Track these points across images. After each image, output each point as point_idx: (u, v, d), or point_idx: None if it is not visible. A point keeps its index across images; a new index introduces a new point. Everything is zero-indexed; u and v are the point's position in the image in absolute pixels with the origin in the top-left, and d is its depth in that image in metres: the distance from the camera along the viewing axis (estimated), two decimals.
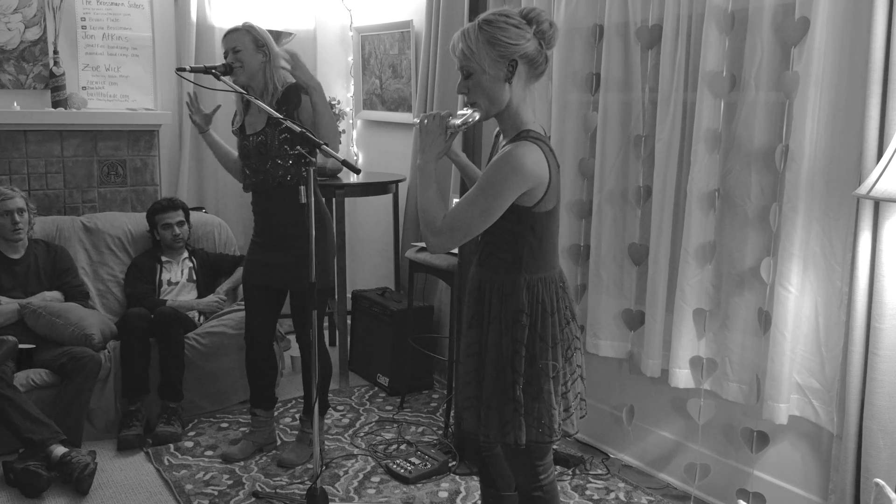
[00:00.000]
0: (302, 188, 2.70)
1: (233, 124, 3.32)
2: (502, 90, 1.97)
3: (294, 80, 3.12)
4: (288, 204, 3.10)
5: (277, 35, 3.24)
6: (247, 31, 3.11)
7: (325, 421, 3.74)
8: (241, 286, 4.11)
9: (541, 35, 1.96)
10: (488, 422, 2.07)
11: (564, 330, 2.07)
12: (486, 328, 2.08)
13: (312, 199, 2.70)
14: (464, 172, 2.37)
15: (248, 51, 3.09)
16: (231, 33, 3.12)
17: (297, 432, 3.52)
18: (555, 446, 3.44)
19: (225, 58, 3.11)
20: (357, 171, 2.73)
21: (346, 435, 3.63)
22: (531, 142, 1.96)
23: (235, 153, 3.33)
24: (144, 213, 4.09)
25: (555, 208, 2.05)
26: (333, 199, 4.26)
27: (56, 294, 3.63)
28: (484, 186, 1.93)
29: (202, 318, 3.95)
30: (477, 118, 2.01)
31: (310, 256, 2.75)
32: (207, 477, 3.22)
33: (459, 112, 2.03)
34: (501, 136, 2.12)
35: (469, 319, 2.14)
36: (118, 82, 4.44)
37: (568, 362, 2.08)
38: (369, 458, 3.41)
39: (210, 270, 4.10)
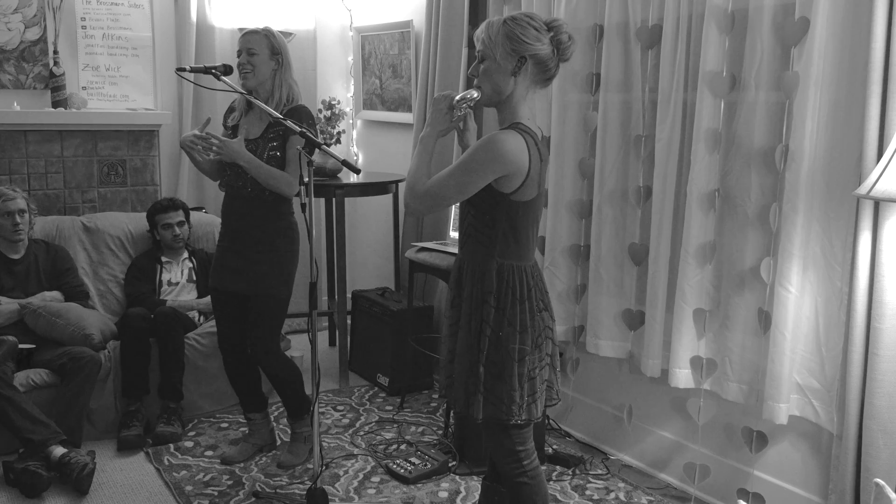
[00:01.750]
0: (302, 188, 2.70)
1: (226, 119, 3.26)
2: (507, 82, 2.10)
3: (302, 103, 3.12)
4: (259, 213, 3.10)
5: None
6: (265, 35, 3.09)
7: (326, 421, 3.75)
8: None
9: (557, 43, 2.10)
10: (457, 395, 2.20)
11: (535, 318, 2.15)
12: (462, 307, 2.20)
13: (312, 198, 2.70)
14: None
15: (263, 55, 3.07)
16: (249, 34, 3.10)
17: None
18: (554, 445, 3.46)
19: (238, 56, 3.10)
20: (357, 171, 2.73)
21: (346, 435, 3.63)
22: (518, 131, 2.08)
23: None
24: (144, 213, 4.08)
25: (534, 200, 2.13)
26: (333, 199, 4.26)
27: (56, 294, 3.63)
28: (463, 162, 2.07)
29: (202, 318, 3.95)
30: (474, 96, 2.15)
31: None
32: (207, 477, 3.22)
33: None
34: None
35: (451, 300, 2.27)
36: (118, 82, 4.44)
37: (537, 349, 2.16)
38: (369, 458, 3.41)
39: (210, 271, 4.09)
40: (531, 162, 2.06)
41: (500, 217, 2.10)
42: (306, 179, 2.72)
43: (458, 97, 2.15)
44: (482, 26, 2.12)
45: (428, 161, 2.15)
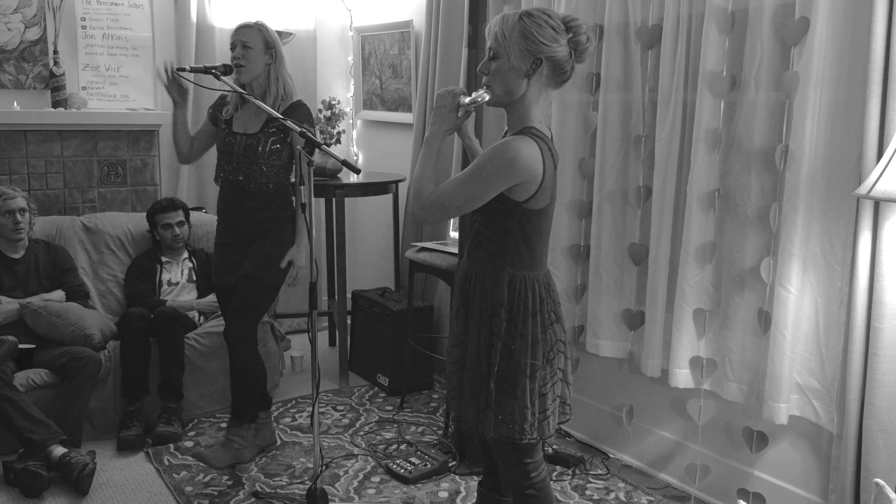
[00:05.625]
0: (302, 188, 2.70)
1: (215, 109, 3.26)
2: (519, 83, 1.99)
3: (299, 99, 3.14)
4: (258, 206, 3.14)
5: (278, 35, 3.24)
6: (259, 29, 3.12)
7: (326, 421, 3.74)
8: None
9: (574, 45, 1.98)
10: (467, 410, 2.10)
11: (547, 331, 2.06)
12: (469, 318, 2.10)
13: (312, 198, 2.71)
14: (471, 154, 2.35)
15: (257, 49, 3.09)
16: (243, 28, 3.12)
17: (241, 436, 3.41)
18: (554, 445, 3.46)
19: (232, 50, 3.11)
20: (357, 171, 2.73)
21: (346, 435, 3.63)
22: (531, 137, 1.97)
23: (191, 133, 3.27)
24: (144, 213, 4.09)
25: (546, 208, 2.04)
26: (333, 199, 4.26)
27: (58, 294, 3.63)
28: (473, 171, 1.96)
29: (202, 318, 3.95)
30: (486, 99, 2.03)
31: (308, 256, 2.76)
32: (207, 477, 3.22)
33: (474, 92, 2.06)
34: (507, 133, 2.12)
35: (455, 310, 2.17)
36: (118, 82, 4.44)
37: (549, 364, 2.07)
38: (369, 458, 3.41)
39: (210, 270, 4.09)
40: (545, 169, 1.96)
41: (511, 226, 2.00)
42: (306, 180, 2.72)
43: (467, 100, 2.02)
44: (496, 19, 1.98)
45: (434, 164, 2.04)
